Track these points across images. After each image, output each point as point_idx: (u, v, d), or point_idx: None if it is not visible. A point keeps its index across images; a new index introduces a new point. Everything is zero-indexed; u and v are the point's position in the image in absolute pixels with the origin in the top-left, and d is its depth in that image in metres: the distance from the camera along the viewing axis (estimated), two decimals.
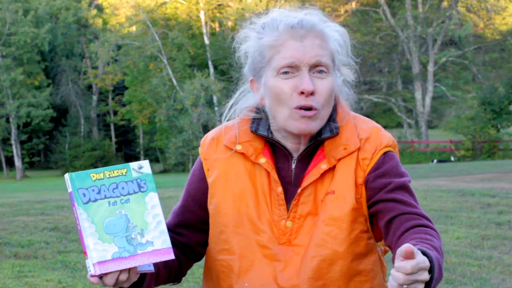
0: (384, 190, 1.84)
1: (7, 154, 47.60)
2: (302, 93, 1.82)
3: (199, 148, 2.00)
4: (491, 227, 9.40)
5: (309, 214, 1.86)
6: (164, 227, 1.72)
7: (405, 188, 1.85)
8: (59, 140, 49.30)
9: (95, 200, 1.69)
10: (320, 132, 1.89)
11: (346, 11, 44.95)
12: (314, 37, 1.84)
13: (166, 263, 1.89)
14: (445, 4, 44.31)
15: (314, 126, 1.84)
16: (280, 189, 1.87)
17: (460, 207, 10.88)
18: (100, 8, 50.24)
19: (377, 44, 43.32)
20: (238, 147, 1.91)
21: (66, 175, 1.73)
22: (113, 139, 51.80)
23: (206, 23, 45.00)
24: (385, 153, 1.88)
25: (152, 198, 1.73)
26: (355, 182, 1.85)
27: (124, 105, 49.25)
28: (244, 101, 1.98)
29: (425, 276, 1.55)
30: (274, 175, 1.88)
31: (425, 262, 1.55)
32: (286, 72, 1.83)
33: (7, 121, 45.79)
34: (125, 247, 1.68)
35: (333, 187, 1.86)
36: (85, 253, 1.69)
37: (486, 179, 15.42)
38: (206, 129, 40.27)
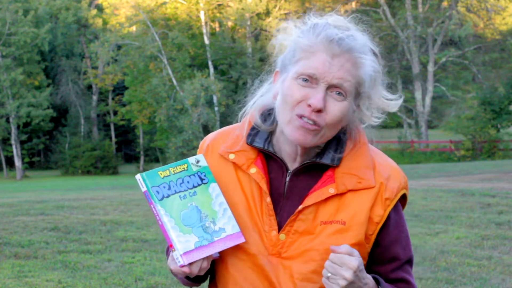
0: (393, 265, 1.92)
1: (7, 154, 47.60)
2: (309, 106, 1.80)
3: (198, 150, 2.02)
4: (491, 227, 9.40)
5: (305, 233, 1.85)
6: (230, 213, 1.85)
7: (410, 261, 1.95)
8: (59, 140, 49.31)
9: (168, 196, 1.81)
10: (322, 153, 1.88)
11: (346, 11, 44.93)
12: (345, 60, 1.81)
13: None
14: (445, 4, 44.32)
15: (310, 140, 1.82)
16: (268, 199, 1.87)
17: (460, 207, 10.88)
18: (100, 8, 50.26)
19: (377, 44, 43.22)
20: (231, 156, 1.92)
21: (138, 176, 1.82)
22: (113, 139, 51.81)
23: (206, 23, 45.00)
24: (397, 204, 1.92)
25: (214, 188, 1.86)
26: (368, 218, 1.86)
27: (124, 105, 49.27)
28: (263, 99, 1.97)
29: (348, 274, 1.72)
30: (263, 185, 1.87)
31: (352, 262, 1.73)
32: (305, 80, 1.81)
33: (7, 121, 45.79)
34: (203, 236, 1.80)
35: (342, 217, 1.85)
36: (170, 245, 1.79)
37: (486, 179, 15.43)
38: (206, 129, 40.27)
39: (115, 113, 51.73)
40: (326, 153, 1.88)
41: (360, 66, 1.83)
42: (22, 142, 47.93)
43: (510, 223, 9.58)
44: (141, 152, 49.94)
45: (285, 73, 1.87)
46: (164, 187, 1.80)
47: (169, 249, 1.90)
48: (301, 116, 1.80)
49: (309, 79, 1.80)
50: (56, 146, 49.54)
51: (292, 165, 1.90)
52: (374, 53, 1.89)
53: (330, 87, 1.80)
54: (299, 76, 1.81)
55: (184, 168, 1.85)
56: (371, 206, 1.86)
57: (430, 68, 43.04)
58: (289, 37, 1.88)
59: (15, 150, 45.40)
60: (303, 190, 1.88)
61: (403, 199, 1.96)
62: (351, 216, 1.85)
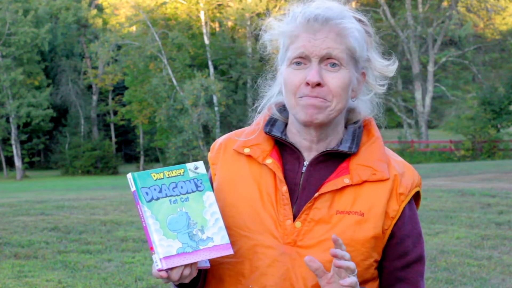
0: (401, 262, 1.92)
1: (7, 154, 47.59)
2: (308, 84, 1.82)
3: (208, 153, 2.03)
4: (491, 227, 9.40)
5: (321, 221, 1.85)
6: (222, 224, 1.80)
7: (420, 260, 1.94)
8: (59, 140, 49.29)
9: (157, 199, 1.77)
10: (339, 144, 1.90)
11: None
12: (328, 31, 1.84)
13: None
14: (445, 4, 44.31)
15: (320, 115, 1.84)
16: (285, 188, 1.87)
17: (460, 207, 10.88)
18: (100, 8, 50.25)
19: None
20: (246, 150, 1.93)
21: (129, 175, 1.79)
22: (113, 139, 51.80)
23: (206, 23, 44.98)
24: (411, 200, 1.93)
25: (209, 197, 1.81)
26: (385, 212, 1.87)
27: (124, 105, 49.25)
28: (273, 95, 2.00)
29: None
30: (279, 174, 1.88)
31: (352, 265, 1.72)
32: (298, 63, 1.85)
33: (7, 121, 45.78)
34: (188, 242, 1.76)
35: (361, 207, 1.86)
36: (151, 248, 1.76)
37: (486, 179, 15.43)
38: (206, 129, 40.28)
39: (115, 113, 51.72)
40: (343, 143, 1.90)
41: (344, 32, 1.85)
42: (22, 142, 47.92)
43: (510, 223, 9.58)
44: (141, 152, 49.94)
45: (281, 65, 1.91)
46: (155, 189, 1.77)
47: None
48: (302, 97, 1.83)
49: (301, 61, 1.84)
50: (56, 146, 49.53)
51: (308, 156, 1.91)
52: (358, 19, 1.91)
53: (321, 60, 1.83)
54: (292, 62, 1.85)
55: (180, 173, 1.81)
56: (387, 200, 1.87)
57: (430, 68, 43.04)
58: (274, 31, 1.93)
59: (15, 150, 45.39)
60: (319, 181, 1.89)
61: (417, 197, 1.97)
62: (368, 207, 1.85)
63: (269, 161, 1.90)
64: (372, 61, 1.93)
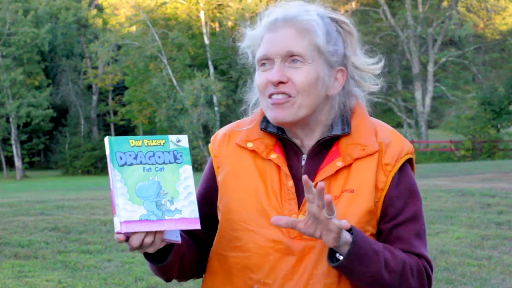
0: (394, 221, 1.88)
1: (7, 154, 47.58)
2: (271, 83, 1.85)
3: (209, 145, 2.02)
4: (491, 227, 9.40)
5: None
6: (194, 198, 1.76)
7: (414, 218, 1.89)
8: (59, 140, 49.29)
9: (131, 164, 1.74)
10: (331, 129, 1.91)
11: (346, 11, 44.93)
12: (288, 29, 1.86)
13: (190, 248, 1.93)
14: (445, 4, 44.30)
15: (288, 114, 1.85)
16: (291, 182, 1.88)
17: (460, 207, 10.88)
18: (100, 8, 50.24)
19: (377, 44, 43.30)
20: (249, 145, 1.93)
21: (106, 138, 1.77)
22: None
23: (206, 23, 44.98)
24: (404, 163, 1.91)
25: (186, 170, 1.78)
26: (375, 185, 1.86)
27: (124, 105, 49.25)
28: (255, 95, 2.02)
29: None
30: (285, 169, 1.88)
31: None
32: (263, 64, 1.88)
33: (7, 121, 45.77)
34: (153, 211, 1.72)
35: (351, 185, 1.86)
36: (113, 211, 1.73)
37: (486, 179, 15.42)
38: (206, 129, 40.27)
39: (115, 113, 51.71)
40: (334, 127, 1.90)
41: (306, 28, 1.86)
42: (22, 142, 47.91)
43: (510, 223, 9.58)
44: None
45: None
46: (130, 155, 1.74)
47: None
48: (270, 96, 1.85)
49: (266, 62, 1.87)
50: (56, 146, 49.52)
51: (305, 148, 1.92)
52: (333, 19, 1.92)
53: (284, 58, 1.85)
54: (260, 64, 1.89)
55: (160, 143, 1.77)
56: (375, 173, 1.86)
57: (430, 68, 43.02)
58: (247, 39, 1.98)
59: (15, 150, 45.38)
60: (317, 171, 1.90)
61: (411, 165, 1.95)
62: (359, 183, 1.85)
63: (273, 156, 1.90)
64: (352, 59, 1.92)
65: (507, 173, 17.29)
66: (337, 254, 1.79)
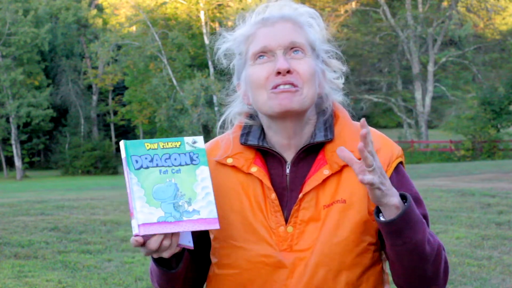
0: None
1: (7, 154, 47.58)
2: (279, 73, 1.80)
3: None
4: (491, 227, 9.40)
5: (311, 220, 1.82)
6: (212, 198, 1.74)
7: (416, 200, 1.85)
8: (59, 140, 49.28)
9: (147, 167, 1.73)
10: (314, 136, 1.87)
11: (346, 11, 44.92)
12: (285, 23, 1.85)
13: (191, 264, 1.90)
14: (445, 4, 44.31)
15: (296, 101, 1.81)
16: (274, 195, 1.84)
17: (460, 207, 10.88)
18: (100, 8, 50.25)
19: (377, 44, 43.31)
20: (229, 161, 1.89)
21: (121, 142, 1.75)
22: (113, 139, 51.77)
23: (206, 23, 44.99)
24: (397, 167, 1.87)
25: (203, 171, 1.76)
26: (367, 194, 1.80)
27: (124, 105, 49.26)
28: (234, 107, 1.98)
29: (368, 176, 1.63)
30: (266, 182, 1.85)
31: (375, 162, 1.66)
32: (261, 56, 1.84)
33: (7, 121, 45.77)
34: (171, 212, 1.71)
35: (342, 195, 1.82)
36: (131, 214, 1.72)
37: (486, 179, 15.42)
38: (206, 129, 40.26)
39: (115, 113, 51.71)
40: (317, 134, 1.87)
41: (302, 24, 1.87)
42: (22, 142, 47.90)
43: (510, 223, 9.58)
44: None
45: (243, 72, 1.90)
46: (146, 158, 1.73)
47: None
48: (276, 87, 1.81)
49: (264, 55, 1.83)
50: (56, 146, 49.51)
51: (289, 156, 1.88)
52: (312, 15, 1.92)
53: (286, 49, 1.83)
54: (255, 57, 1.84)
55: (176, 145, 1.76)
56: None
57: (430, 68, 43.03)
58: (228, 41, 1.95)
59: (15, 150, 45.37)
60: (304, 179, 1.86)
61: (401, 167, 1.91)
62: (350, 192, 1.82)
63: (254, 169, 1.86)
64: (326, 59, 1.93)
65: (507, 173, 17.29)
66: (381, 215, 1.73)
